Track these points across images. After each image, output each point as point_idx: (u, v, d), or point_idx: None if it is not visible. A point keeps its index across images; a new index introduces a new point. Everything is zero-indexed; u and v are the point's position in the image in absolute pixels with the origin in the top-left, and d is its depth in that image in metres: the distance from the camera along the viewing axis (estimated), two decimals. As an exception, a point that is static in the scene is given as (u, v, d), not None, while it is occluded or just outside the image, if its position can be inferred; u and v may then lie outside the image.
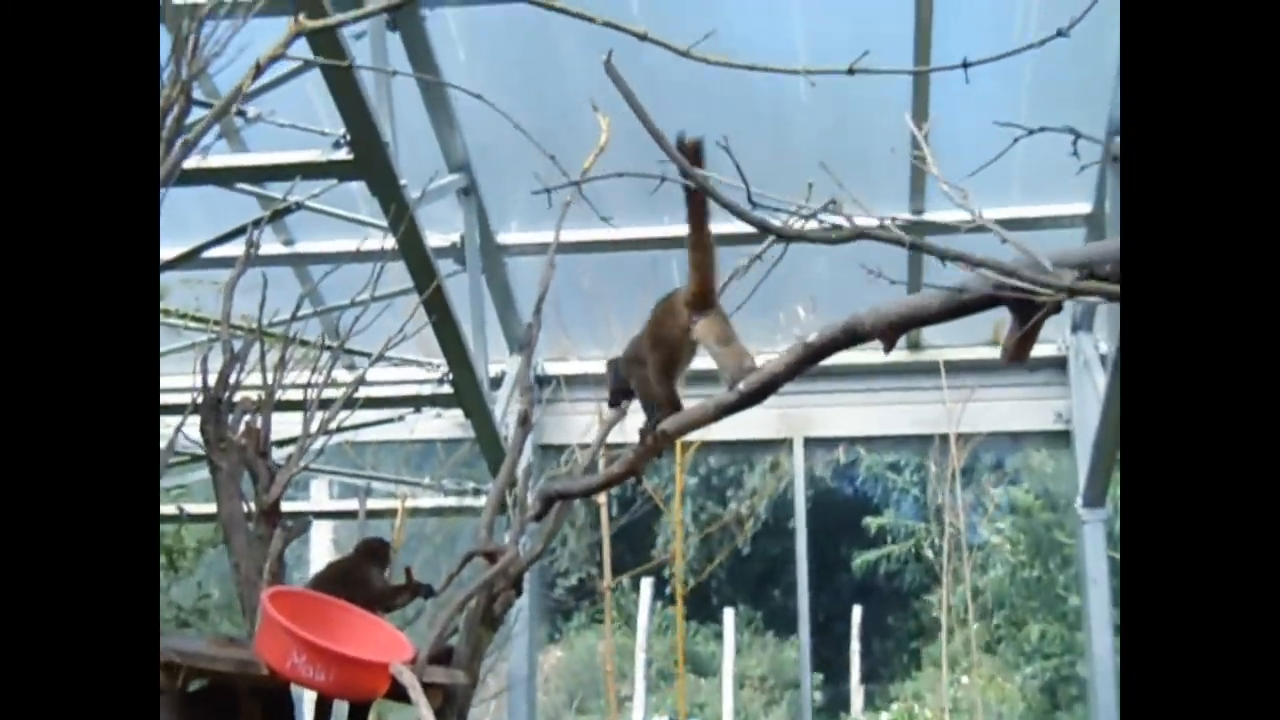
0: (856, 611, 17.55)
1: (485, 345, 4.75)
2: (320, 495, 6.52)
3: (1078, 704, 11.36)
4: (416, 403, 4.82)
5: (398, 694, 2.50)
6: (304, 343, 3.71)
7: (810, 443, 5.61)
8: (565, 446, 5.38)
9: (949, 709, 12.28)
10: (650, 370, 2.42)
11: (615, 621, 19.39)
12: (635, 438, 2.47)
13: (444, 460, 5.41)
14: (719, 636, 17.76)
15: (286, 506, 3.10)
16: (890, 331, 1.99)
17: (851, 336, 2.07)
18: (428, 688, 2.77)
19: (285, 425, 3.46)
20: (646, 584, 17.10)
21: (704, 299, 2.28)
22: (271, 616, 2.54)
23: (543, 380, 5.70)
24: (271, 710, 2.78)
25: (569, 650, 18.85)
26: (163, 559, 4.38)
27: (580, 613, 19.27)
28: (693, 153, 2.05)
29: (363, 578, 2.97)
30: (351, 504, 5.75)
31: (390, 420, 5.05)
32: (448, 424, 5.53)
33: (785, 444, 5.61)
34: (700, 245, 2.24)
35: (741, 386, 2.32)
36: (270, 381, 3.06)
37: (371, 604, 2.90)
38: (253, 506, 3.02)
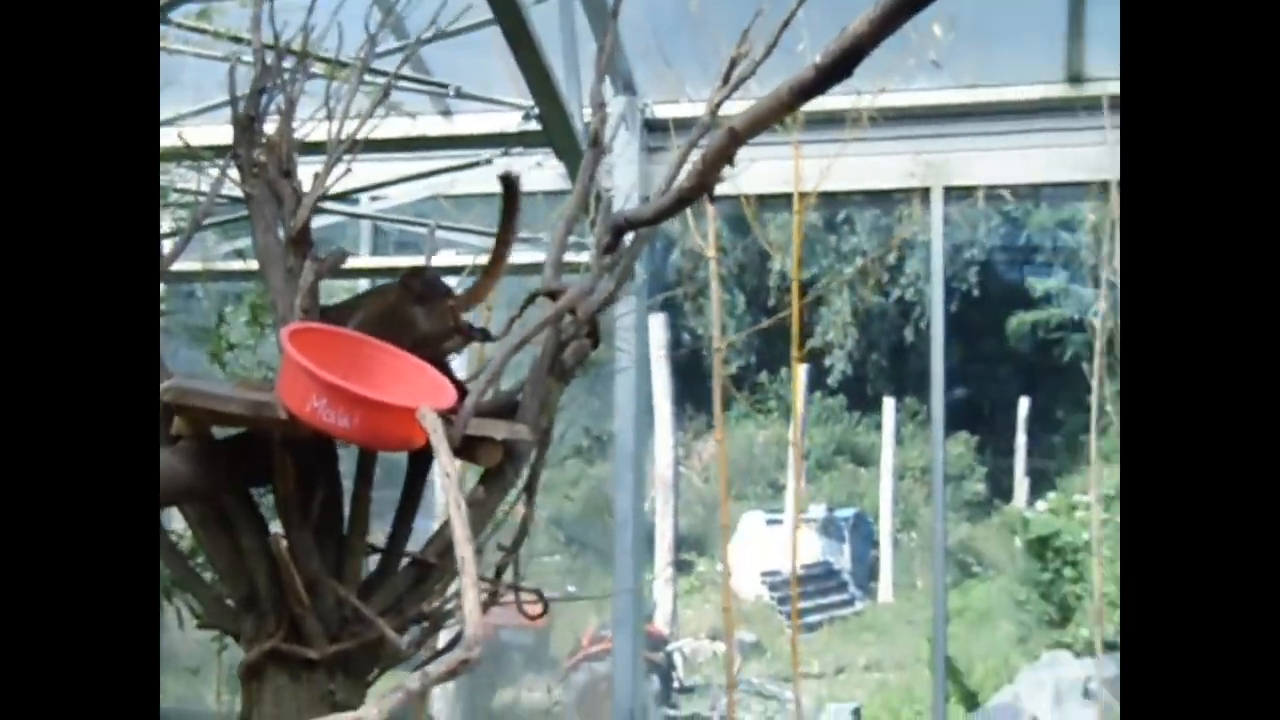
0: (1023, 403, 17.04)
1: (579, 81, 4.26)
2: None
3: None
4: (503, 142, 4.40)
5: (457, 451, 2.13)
6: (328, 61, 3.13)
7: (951, 193, 4.98)
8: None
9: (1109, 495, 11.73)
10: None
11: (773, 412, 19.27)
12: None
13: (547, 214, 5.01)
14: (878, 427, 17.51)
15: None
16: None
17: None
18: (482, 442, 2.44)
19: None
20: (802, 371, 16.79)
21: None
22: (290, 355, 2.21)
23: (651, 125, 5.20)
24: (310, 465, 2.49)
25: (728, 440, 18.89)
26: (247, 315, 4.16)
27: (738, 402, 19.22)
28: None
29: (406, 317, 2.61)
30: (460, 260, 5.42)
31: (477, 164, 4.64)
32: (550, 175, 5.11)
33: (922, 194, 4.99)
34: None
35: (819, 59, 1.83)
36: (291, 94, 2.67)
37: (417, 347, 2.55)
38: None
